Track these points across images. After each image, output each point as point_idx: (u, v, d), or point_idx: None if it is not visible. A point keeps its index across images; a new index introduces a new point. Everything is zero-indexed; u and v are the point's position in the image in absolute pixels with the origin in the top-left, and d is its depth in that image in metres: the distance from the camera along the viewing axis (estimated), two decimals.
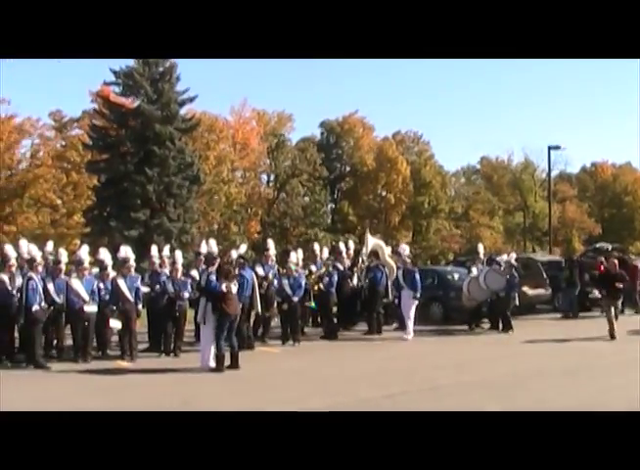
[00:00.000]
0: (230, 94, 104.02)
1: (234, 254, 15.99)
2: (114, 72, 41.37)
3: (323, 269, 18.87)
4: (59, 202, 58.10)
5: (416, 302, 18.28)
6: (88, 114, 54.22)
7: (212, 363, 13.21)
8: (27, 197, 57.93)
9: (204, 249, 17.08)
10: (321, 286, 18.37)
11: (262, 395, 10.98)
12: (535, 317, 22.79)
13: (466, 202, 74.54)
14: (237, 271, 15.21)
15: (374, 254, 20.25)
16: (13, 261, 14.36)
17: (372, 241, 21.21)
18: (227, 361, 13.23)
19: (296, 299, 17.00)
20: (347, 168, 69.24)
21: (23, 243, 16.25)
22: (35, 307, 13.59)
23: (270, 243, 18.89)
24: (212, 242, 16.24)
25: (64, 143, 62.09)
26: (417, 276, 18.45)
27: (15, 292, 13.87)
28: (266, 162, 62.61)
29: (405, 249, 19.42)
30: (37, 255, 14.36)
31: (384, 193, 66.56)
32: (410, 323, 18.10)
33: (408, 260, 18.83)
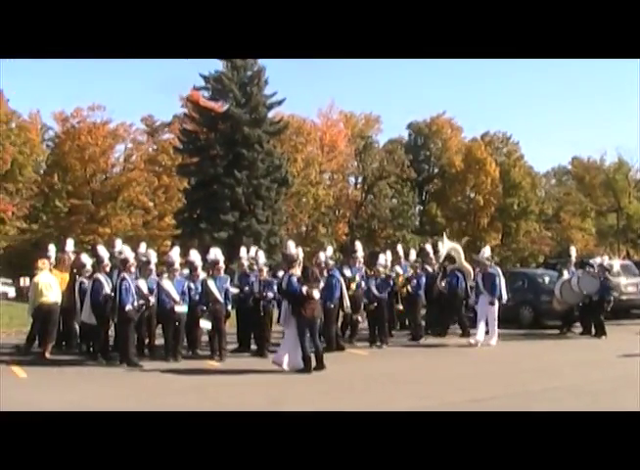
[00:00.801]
0: (318, 97, 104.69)
1: (322, 256, 16.01)
2: (204, 77, 42.09)
3: (411, 272, 18.73)
4: (151, 204, 59.44)
5: (495, 306, 17.51)
6: (178, 118, 55.33)
7: (285, 365, 13.13)
8: (121, 200, 59.49)
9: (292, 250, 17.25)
10: (409, 288, 18.25)
11: (349, 396, 10.95)
12: (632, 322, 22.03)
13: (557, 203, 73.11)
14: (325, 273, 15.25)
15: (449, 258, 20.05)
16: (107, 262, 14.75)
17: (448, 245, 20.97)
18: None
19: (383, 298, 16.93)
20: (435, 170, 68.80)
21: (118, 243, 16.70)
22: (128, 307, 13.88)
23: (358, 245, 18.86)
24: (291, 243, 16.24)
25: (155, 147, 63.57)
26: (497, 280, 17.76)
27: (109, 291, 14.22)
28: (354, 164, 62.68)
29: (485, 252, 18.83)
30: (130, 255, 14.68)
31: (472, 194, 65.88)
32: (494, 328, 17.38)
33: (487, 263, 18.15)
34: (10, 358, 14.64)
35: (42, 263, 15.52)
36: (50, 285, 15.11)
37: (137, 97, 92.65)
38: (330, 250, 17.69)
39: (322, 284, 14.31)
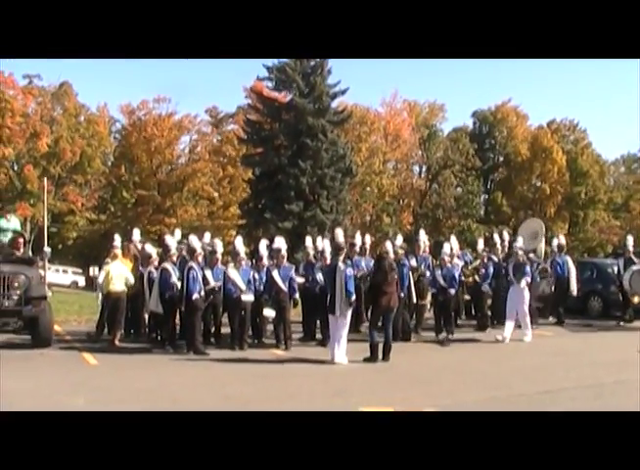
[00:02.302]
0: (381, 86, 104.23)
1: (389, 245, 15.95)
2: (267, 68, 42.16)
3: (478, 261, 18.54)
4: (216, 195, 60.01)
5: (525, 299, 16.66)
6: (243, 109, 55.67)
7: (338, 357, 12.96)
8: (187, 190, 60.21)
9: (358, 240, 17.20)
10: (477, 278, 18.07)
11: (415, 387, 10.89)
12: None
13: (626, 192, 71.49)
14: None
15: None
16: (174, 251, 14.93)
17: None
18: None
19: (452, 291, 16.78)
20: (501, 158, 67.85)
21: (177, 233, 16.93)
22: (195, 296, 14.02)
23: (422, 234, 18.74)
24: (339, 231, 16.15)
25: (220, 138, 64.13)
26: (527, 269, 16.90)
27: (176, 281, 14.38)
28: (418, 153, 62.28)
29: (519, 241, 18.31)
30: (198, 245, 14.83)
31: (538, 183, 64.85)
32: (526, 322, 16.64)
33: (520, 253, 17.29)
34: (81, 345, 14.94)
35: (114, 253, 15.80)
36: (119, 274, 15.39)
37: (201, 88, 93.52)
38: (399, 239, 17.57)
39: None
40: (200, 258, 14.59)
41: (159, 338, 15.21)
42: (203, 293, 14.24)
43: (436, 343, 15.30)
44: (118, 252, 15.96)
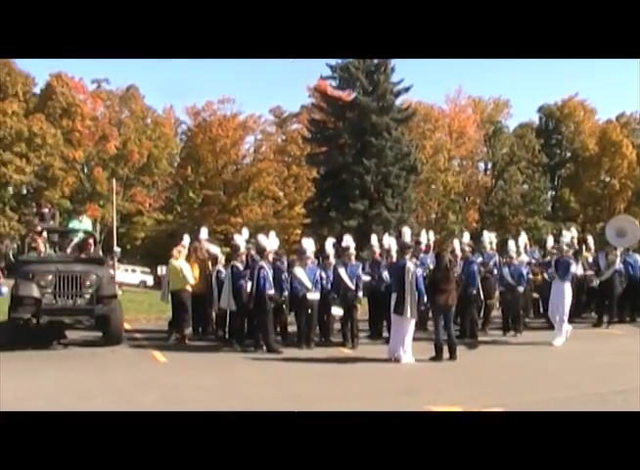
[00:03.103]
0: (445, 82, 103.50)
1: (456, 243, 15.78)
2: (331, 67, 42.27)
3: (548, 258, 18.26)
4: (281, 194, 60.41)
5: (567, 299, 15.69)
6: (306, 108, 55.96)
7: (404, 357, 12.88)
8: (252, 190, 60.75)
9: (424, 238, 17.09)
10: (545, 276, 17.79)
11: (482, 387, 10.76)
12: None
13: None
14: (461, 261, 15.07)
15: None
16: (243, 250, 15.04)
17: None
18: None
19: (520, 289, 16.55)
20: (568, 154, 66.65)
21: (245, 232, 17.03)
22: (267, 294, 14.10)
23: (486, 232, 18.56)
24: (407, 230, 16.04)
25: (284, 137, 64.56)
26: (572, 267, 16.13)
27: (247, 279, 14.48)
28: (483, 149, 61.74)
29: (566, 235, 17.75)
30: (267, 244, 14.88)
31: (607, 179, 63.52)
32: (561, 324, 15.58)
33: (566, 248, 16.54)
34: (150, 343, 15.15)
35: (177, 252, 15.98)
36: (184, 272, 15.53)
37: (265, 88, 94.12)
38: (467, 236, 17.40)
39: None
40: (269, 257, 14.65)
41: (226, 336, 15.32)
42: (272, 291, 14.29)
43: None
44: (182, 250, 16.06)
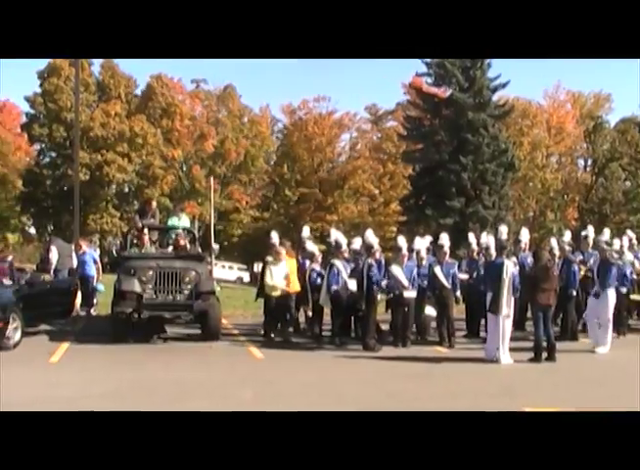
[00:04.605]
0: (543, 77, 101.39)
1: (553, 242, 15.42)
2: (426, 63, 41.98)
3: None
4: (376, 191, 60.42)
5: (609, 304, 14.34)
6: (402, 105, 55.81)
7: (502, 357, 12.62)
8: (347, 188, 60.95)
9: (524, 236, 16.71)
10: None
11: (581, 388, 10.52)
12: None
13: None
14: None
15: None
16: (345, 248, 15.07)
17: None
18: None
19: (623, 289, 16.02)
20: None
21: (333, 232, 17.02)
22: (375, 291, 14.07)
23: (590, 229, 18.06)
24: (503, 228, 15.69)
25: (379, 135, 64.54)
26: (613, 271, 14.50)
27: (346, 277, 14.49)
28: (583, 145, 60.31)
29: (605, 234, 16.64)
30: (375, 242, 14.80)
31: None
32: (605, 331, 14.23)
33: (607, 248, 15.12)
34: (247, 339, 15.33)
35: (276, 253, 15.77)
36: (284, 274, 15.45)
37: (360, 86, 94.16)
38: (568, 235, 16.99)
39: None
40: (377, 255, 14.61)
41: (322, 333, 15.35)
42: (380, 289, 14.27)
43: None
44: (282, 251, 15.87)
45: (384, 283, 14.50)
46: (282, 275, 15.34)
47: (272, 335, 15.34)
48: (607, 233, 17.02)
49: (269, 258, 15.64)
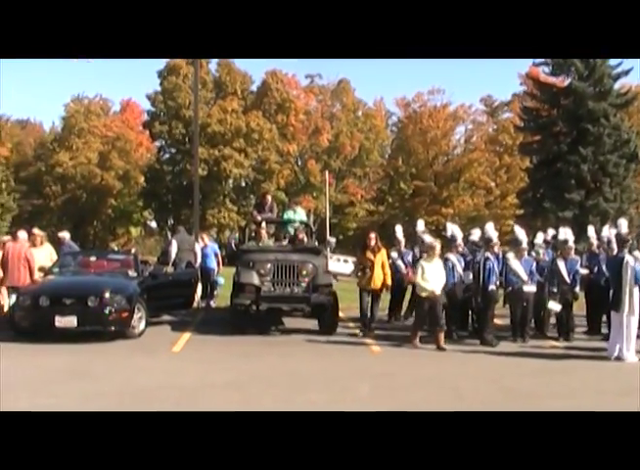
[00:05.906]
0: None
1: None
2: None
3: None
4: (492, 184, 59.57)
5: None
6: (518, 96, 54.85)
7: (627, 355, 12.18)
8: (463, 180, 60.35)
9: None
10: None
11: None
12: None
13: None
14: None
15: None
16: (460, 241, 14.99)
17: None
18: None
19: None
20: None
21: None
22: (492, 287, 13.95)
23: None
24: (623, 221, 15.05)
25: (495, 127, 63.57)
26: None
27: (460, 271, 14.39)
28: None
29: (622, 225, 14.93)
30: (494, 235, 14.54)
31: None
32: (630, 336, 12.45)
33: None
34: (364, 333, 15.31)
35: (431, 249, 14.81)
36: (434, 274, 14.83)
37: (475, 78, 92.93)
38: None
39: None
40: (495, 249, 14.46)
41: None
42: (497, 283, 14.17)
43: None
44: (436, 249, 14.07)
45: (502, 277, 14.33)
46: (434, 276, 13.72)
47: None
48: (625, 224, 16.08)
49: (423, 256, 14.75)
